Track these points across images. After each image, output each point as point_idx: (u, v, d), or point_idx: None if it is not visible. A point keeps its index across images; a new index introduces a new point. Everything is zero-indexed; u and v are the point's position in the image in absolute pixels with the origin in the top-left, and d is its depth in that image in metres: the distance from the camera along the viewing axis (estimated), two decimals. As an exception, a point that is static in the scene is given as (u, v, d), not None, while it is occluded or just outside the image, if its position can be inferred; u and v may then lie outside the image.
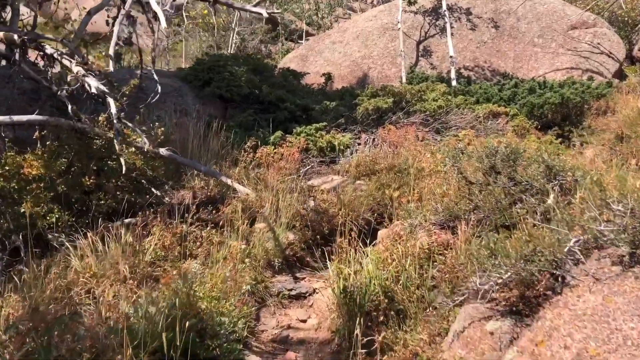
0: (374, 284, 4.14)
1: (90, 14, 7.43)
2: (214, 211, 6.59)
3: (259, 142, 8.62)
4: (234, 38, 24.00)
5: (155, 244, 5.24)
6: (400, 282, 4.11)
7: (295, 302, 5.14)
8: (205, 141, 8.62)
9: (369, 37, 18.46)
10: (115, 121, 5.08)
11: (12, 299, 4.03)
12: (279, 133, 9.06)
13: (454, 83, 14.89)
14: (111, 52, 5.26)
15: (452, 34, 17.62)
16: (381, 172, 7.82)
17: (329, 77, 13.24)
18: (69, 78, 5.27)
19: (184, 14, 18.00)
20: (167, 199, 7.08)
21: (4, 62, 7.49)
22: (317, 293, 5.24)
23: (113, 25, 7.97)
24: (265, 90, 10.46)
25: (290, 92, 11.19)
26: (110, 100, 5.09)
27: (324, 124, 9.51)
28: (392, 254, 4.47)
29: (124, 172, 5.21)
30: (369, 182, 7.55)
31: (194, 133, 8.56)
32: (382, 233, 5.89)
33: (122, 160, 5.11)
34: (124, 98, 6.78)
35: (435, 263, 4.29)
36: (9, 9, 8.13)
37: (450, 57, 15.79)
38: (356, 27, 19.38)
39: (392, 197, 7.04)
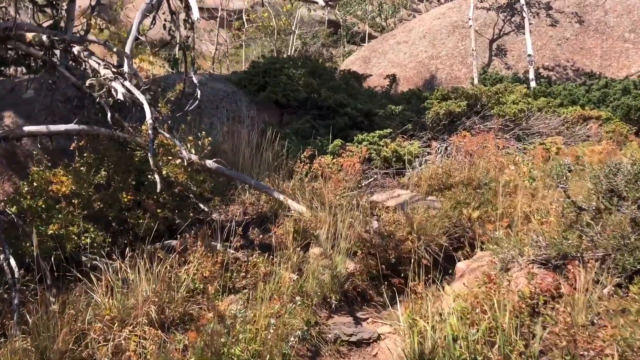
0: (460, 346, 3.14)
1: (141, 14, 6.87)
2: (263, 233, 5.79)
3: (316, 152, 7.78)
4: (295, 42, 23.46)
5: (194, 274, 4.48)
6: (496, 346, 3.09)
7: (356, 351, 4.21)
8: (258, 151, 7.87)
9: (436, 36, 17.27)
10: (150, 131, 4.37)
11: (18, 344, 3.37)
12: (338, 141, 8.18)
13: (532, 84, 13.44)
14: (128, 49, 4.56)
15: (530, 31, 16.13)
16: (457, 187, 6.75)
17: (393, 78, 12.23)
18: (93, 82, 4.63)
19: (244, 17, 17.60)
20: (215, 215, 6.36)
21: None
22: (382, 339, 4.28)
23: (170, 30, 7.41)
24: (324, 94, 9.62)
25: (351, 96, 10.29)
26: (146, 107, 4.40)
27: (389, 130, 8.54)
28: (481, 302, 3.45)
29: (158, 189, 4.49)
30: (443, 198, 6.51)
31: (246, 142, 7.84)
32: (462, 266, 4.86)
33: (156, 175, 4.39)
34: (168, 105, 6.13)
35: (542, 319, 3.23)
36: (63, 13, 7.77)
37: (528, 55, 14.33)
38: (423, 25, 18.19)
39: (471, 218, 5.98)
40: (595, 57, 15.61)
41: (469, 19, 15.58)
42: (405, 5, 29.41)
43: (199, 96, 5.82)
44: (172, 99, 6.31)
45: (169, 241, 5.48)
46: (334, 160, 7.74)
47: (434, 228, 5.68)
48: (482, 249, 5.12)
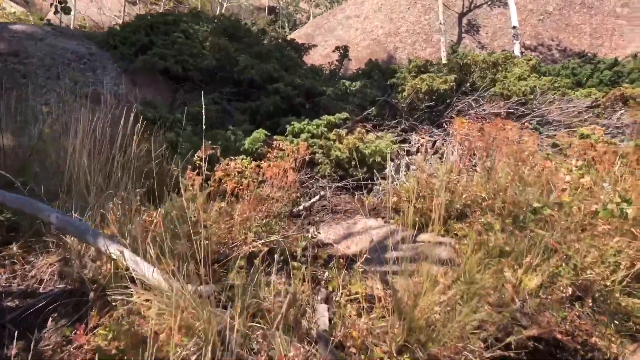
0: None
1: None
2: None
3: (222, 150, 4.43)
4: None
5: None
6: None
7: None
8: (123, 151, 4.38)
9: (394, 8, 14.21)
10: None
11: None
12: (260, 133, 4.84)
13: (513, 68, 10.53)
14: None
15: (506, 3, 13.41)
16: (476, 214, 3.57)
17: (345, 51, 8.97)
18: None
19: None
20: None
21: None
22: None
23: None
24: (244, 62, 6.24)
25: (286, 70, 6.96)
26: None
27: (343, 115, 5.28)
28: None
29: None
30: (455, 240, 3.30)
31: (99, 136, 4.34)
32: None
33: None
34: None
35: None
36: None
37: (513, 27, 11.47)
38: (378, -5, 15.06)
39: (527, 291, 2.79)
40: (584, 36, 12.99)
41: (437, -16, 12.62)
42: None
43: None
44: None
45: None
46: (253, 164, 4.39)
47: (457, 328, 2.43)
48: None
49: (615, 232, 3.14)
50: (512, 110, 6.17)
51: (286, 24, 23.78)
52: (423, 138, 5.39)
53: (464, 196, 3.97)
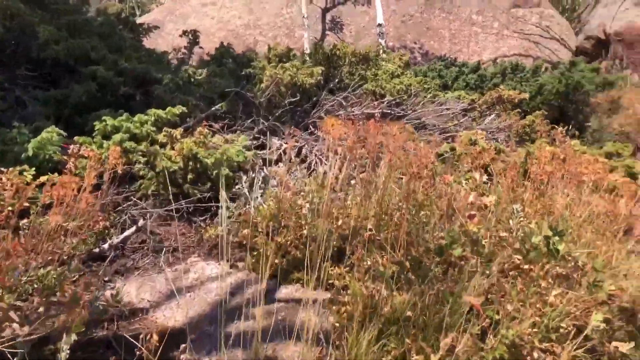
0: None
1: None
2: None
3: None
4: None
5: None
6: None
7: None
8: None
9: (255, -2, 13.03)
10: None
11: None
12: (50, 133, 3.31)
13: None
14: None
15: (369, 1, 12.98)
16: (360, 254, 2.49)
17: (195, 37, 7.55)
18: None
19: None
20: None
21: None
22: None
23: None
24: (46, 33, 4.58)
25: (114, 50, 5.37)
26: None
27: (179, 110, 3.95)
28: None
29: None
30: (342, 302, 2.20)
31: None
32: None
33: None
34: None
35: None
36: None
37: (379, 25, 10.96)
38: (237, -18, 13.72)
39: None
40: (444, 40, 13.01)
41: (300, -26, 11.72)
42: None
43: None
44: None
45: None
46: (44, 178, 2.86)
47: None
48: None
49: (547, 278, 2.27)
50: (388, 112, 5.33)
51: (136, 10, 21.56)
52: (286, 143, 4.26)
53: (340, 223, 2.89)
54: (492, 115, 6.55)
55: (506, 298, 2.12)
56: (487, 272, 2.26)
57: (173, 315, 2.33)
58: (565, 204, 3.70)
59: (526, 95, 6.44)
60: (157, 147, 3.42)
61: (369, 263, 2.38)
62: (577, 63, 8.40)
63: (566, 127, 7.90)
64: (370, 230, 2.74)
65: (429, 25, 13.14)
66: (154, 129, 3.75)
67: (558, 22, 13.82)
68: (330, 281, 2.46)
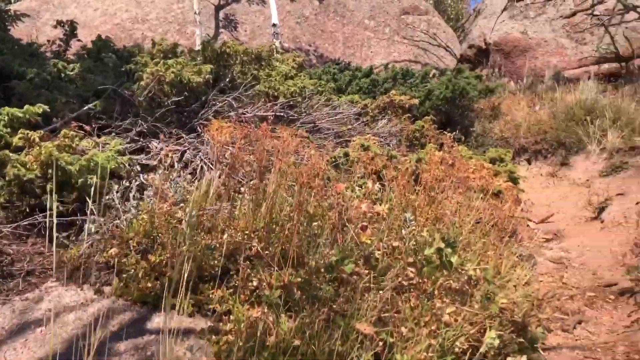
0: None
1: None
2: None
3: None
4: None
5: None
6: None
7: None
8: None
9: (142, -10, 12.23)
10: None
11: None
12: None
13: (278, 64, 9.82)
14: None
15: (264, 0, 12.72)
16: (245, 274, 2.25)
17: (72, 28, 6.83)
18: None
19: None
20: None
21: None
22: None
23: None
24: None
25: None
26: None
27: (39, 109, 3.44)
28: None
29: None
30: (223, 331, 1.93)
31: None
32: None
33: None
34: None
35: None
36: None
37: (273, 25, 10.76)
38: (122, -29, 12.79)
39: None
40: (338, 44, 13.14)
41: (191, -33, 11.20)
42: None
43: None
44: None
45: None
46: None
47: None
48: None
49: (441, 292, 2.18)
50: (281, 114, 5.13)
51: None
52: (167, 147, 3.90)
53: (224, 238, 2.62)
54: (384, 120, 6.61)
55: (400, 317, 2.00)
56: (382, 288, 2.12)
57: (17, 358, 1.92)
58: (455, 209, 3.74)
59: (416, 101, 6.59)
60: (8, 152, 2.91)
61: (254, 284, 2.15)
62: (462, 70, 8.81)
63: (453, 132, 8.27)
64: (258, 244, 2.50)
65: (323, 28, 13.19)
66: (9, 130, 3.22)
67: (444, 30, 14.57)
68: (210, 306, 2.19)
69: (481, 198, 4.13)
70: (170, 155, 3.80)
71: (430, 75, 10.42)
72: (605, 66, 11.53)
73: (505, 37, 12.72)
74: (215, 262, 2.34)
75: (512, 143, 8.17)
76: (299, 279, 2.03)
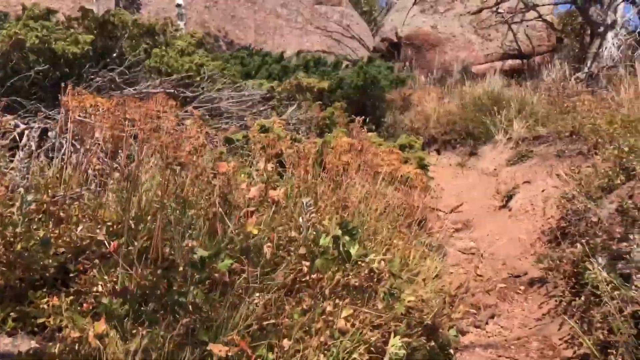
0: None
1: None
2: None
3: None
4: None
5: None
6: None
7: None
8: None
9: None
10: None
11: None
12: None
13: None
14: None
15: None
16: (100, 276, 1.74)
17: None
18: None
19: None
20: None
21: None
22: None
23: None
24: None
25: None
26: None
27: None
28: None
29: None
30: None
31: None
32: None
33: None
34: None
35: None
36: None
37: (177, 6, 10.03)
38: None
39: None
40: (249, 30, 12.59)
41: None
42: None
43: None
44: None
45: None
46: None
47: None
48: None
49: (336, 290, 1.81)
50: (174, 92, 4.56)
51: None
52: (26, 124, 3.24)
53: (79, 231, 2.08)
54: (294, 106, 6.22)
55: (288, 323, 1.59)
56: (266, 288, 1.70)
57: None
58: (362, 196, 3.42)
59: (325, 85, 6.26)
60: None
61: (100, 289, 1.65)
62: (373, 59, 8.65)
63: (364, 121, 8.07)
64: (118, 239, 1.99)
65: (234, 14, 12.58)
66: None
67: (357, 22, 14.47)
68: (40, 320, 1.66)
69: (390, 184, 3.86)
70: (29, 134, 3.16)
71: (343, 66, 10.21)
72: (509, 62, 11.94)
73: (416, 31, 12.82)
74: (50, 261, 1.80)
75: (422, 133, 8.10)
76: (148, 281, 1.56)
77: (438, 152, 7.71)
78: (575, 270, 2.76)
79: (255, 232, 1.94)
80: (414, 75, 10.19)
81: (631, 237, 2.26)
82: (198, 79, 5.14)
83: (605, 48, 8.97)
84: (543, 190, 4.86)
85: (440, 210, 6.12)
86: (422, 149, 7.76)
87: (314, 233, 2.28)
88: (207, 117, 4.83)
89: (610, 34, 8.97)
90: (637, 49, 8.88)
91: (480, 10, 12.27)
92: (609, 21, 8.98)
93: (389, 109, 8.61)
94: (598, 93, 7.63)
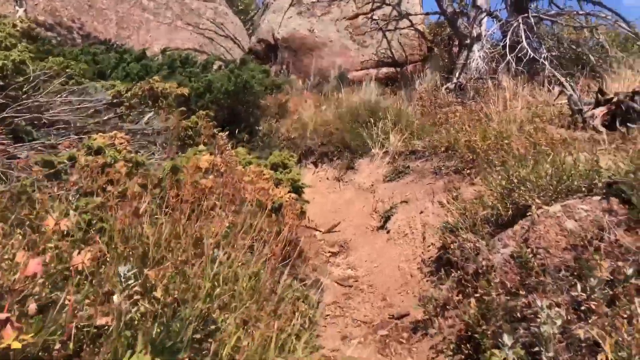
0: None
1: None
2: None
3: None
4: None
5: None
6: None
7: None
8: None
9: None
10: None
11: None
12: None
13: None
14: None
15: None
16: None
17: None
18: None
19: None
20: None
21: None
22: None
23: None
24: None
25: None
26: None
27: None
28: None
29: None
30: None
31: None
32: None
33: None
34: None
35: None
36: None
37: (15, -11, 8.50)
38: None
39: None
40: (110, 23, 11.23)
41: None
42: None
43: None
44: None
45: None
46: None
47: None
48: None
49: None
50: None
51: None
52: None
53: None
54: (150, 114, 5.38)
55: None
56: None
57: None
58: (223, 234, 2.79)
59: (186, 91, 5.47)
60: None
61: None
62: (247, 61, 8.01)
63: (237, 130, 7.39)
64: None
65: (92, 3, 11.16)
66: None
67: (232, 21, 13.71)
68: None
69: (259, 215, 3.28)
70: None
71: (216, 67, 9.44)
72: (384, 70, 11.96)
73: (293, 34, 12.38)
74: None
75: (299, 144, 7.65)
76: None
77: (315, 164, 7.29)
78: (469, 334, 2.38)
79: (18, 346, 1.23)
80: (291, 80, 9.71)
81: (538, 303, 1.90)
82: (21, 79, 4.12)
83: (472, 60, 9.21)
84: (421, 212, 4.59)
85: (316, 229, 5.67)
86: (299, 160, 7.29)
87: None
88: (29, 129, 3.86)
89: (476, 46, 9.23)
90: (501, 62, 9.23)
91: (356, 16, 12.17)
92: (474, 34, 9.24)
93: (264, 117, 8.04)
94: (467, 104, 7.72)
